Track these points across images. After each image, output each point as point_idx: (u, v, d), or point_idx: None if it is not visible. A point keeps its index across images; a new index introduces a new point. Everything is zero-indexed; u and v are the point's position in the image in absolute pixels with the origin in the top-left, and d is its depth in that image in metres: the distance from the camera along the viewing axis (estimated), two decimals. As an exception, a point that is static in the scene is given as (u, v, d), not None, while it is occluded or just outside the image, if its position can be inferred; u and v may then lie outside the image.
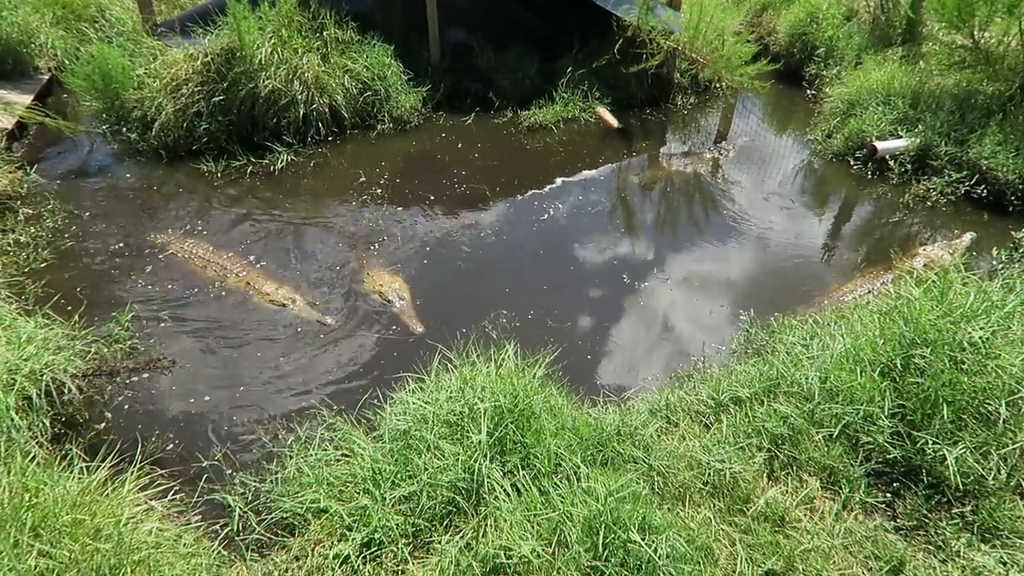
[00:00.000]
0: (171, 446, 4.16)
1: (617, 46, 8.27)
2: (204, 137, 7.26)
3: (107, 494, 3.25)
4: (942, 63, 8.11)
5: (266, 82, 7.21)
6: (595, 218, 6.72)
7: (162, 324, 5.10)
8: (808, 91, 9.64)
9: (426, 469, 3.34)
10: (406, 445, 3.54)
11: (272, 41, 7.28)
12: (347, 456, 3.71)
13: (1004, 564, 3.15)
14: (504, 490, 3.22)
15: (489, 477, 3.25)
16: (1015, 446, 3.48)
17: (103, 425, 4.26)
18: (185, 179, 6.97)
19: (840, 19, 9.89)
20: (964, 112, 7.38)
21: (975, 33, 7.64)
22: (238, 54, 7.21)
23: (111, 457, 3.47)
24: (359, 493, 3.42)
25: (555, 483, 3.26)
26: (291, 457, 3.79)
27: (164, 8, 8.88)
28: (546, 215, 6.71)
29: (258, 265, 5.80)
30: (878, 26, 9.52)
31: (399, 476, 3.41)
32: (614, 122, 8.42)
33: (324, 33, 7.75)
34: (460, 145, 7.96)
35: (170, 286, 5.49)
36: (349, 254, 6.00)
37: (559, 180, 7.34)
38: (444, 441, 3.44)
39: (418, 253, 6.08)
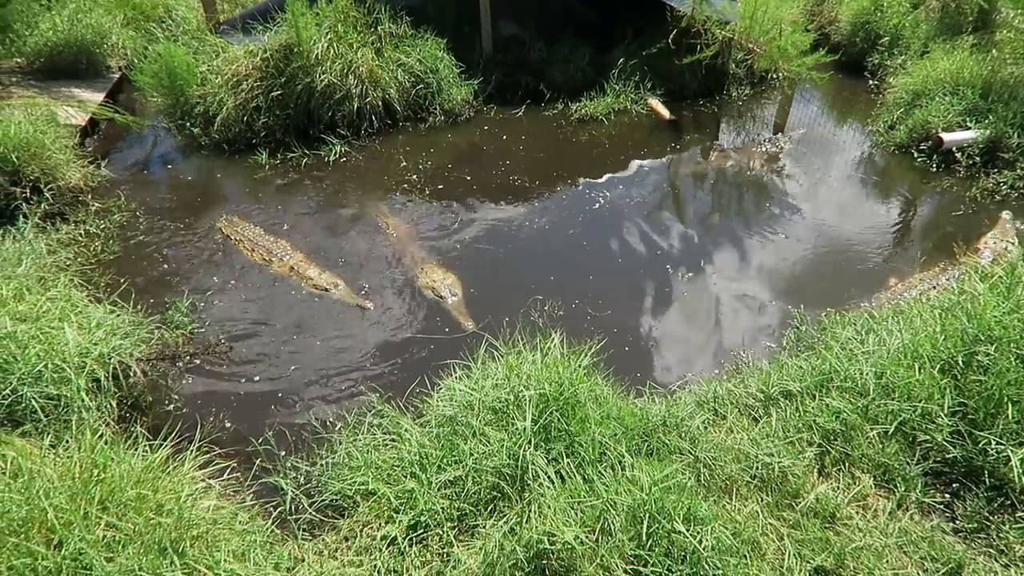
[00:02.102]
0: (228, 428, 4.32)
1: (671, 36, 8.16)
2: (262, 131, 7.45)
3: (168, 472, 3.39)
4: (1016, 51, 7.75)
5: (322, 77, 7.36)
6: (642, 209, 6.65)
7: (221, 310, 5.28)
8: (870, 81, 9.32)
9: (471, 455, 3.38)
10: (452, 431, 3.58)
11: (328, 36, 7.42)
12: (395, 441, 3.78)
13: (1070, 570, 3.01)
14: (548, 477, 3.23)
15: (533, 464, 3.26)
16: (1085, 448, 3.33)
17: (165, 407, 4.44)
18: (244, 171, 7.17)
19: (907, 7, 9.51)
20: (1039, 102, 7.04)
21: (1052, 19, 7.28)
22: (295, 50, 7.38)
23: (172, 437, 3.61)
24: (406, 477, 3.48)
25: (599, 471, 3.25)
26: (340, 441, 3.87)
27: (227, 7, 9.15)
28: (593, 206, 6.68)
29: (307, 254, 5.93)
30: (947, 14, 9.13)
31: (445, 461, 3.45)
32: (666, 113, 8.31)
33: (378, 28, 7.85)
34: (510, 137, 7.98)
35: (227, 274, 5.67)
36: (400, 246, 6.09)
37: (609, 171, 7.30)
38: (489, 427, 3.47)
39: (467, 244, 6.13)
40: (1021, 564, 3.11)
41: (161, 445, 3.49)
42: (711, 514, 3.04)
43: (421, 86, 8.03)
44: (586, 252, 6.04)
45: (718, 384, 4.12)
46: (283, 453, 4.07)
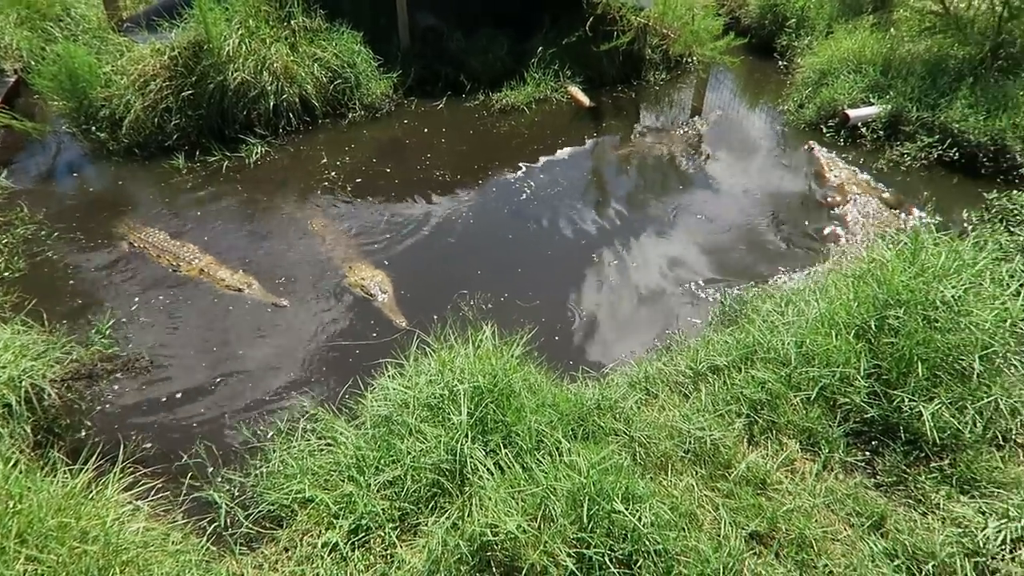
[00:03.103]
0: (153, 445, 4.15)
1: (588, 24, 8.24)
2: (175, 133, 7.16)
3: (92, 497, 3.23)
4: (913, 30, 8.17)
5: (235, 74, 7.13)
6: (567, 197, 6.72)
7: (137, 323, 5.06)
8: (780, 62, 9.66)
9: (409, 453, 3.35)
10: (388, 431, 3.55)
11: (239, 32, 7.19)
12: (330, 445, 3.71)
13: (983, 513, 3.21)
14: (487, 469, 3.23)
15: (472, 457, 3.26)
16: (989, 399, 3.55)
17: (85, 428, 4.24)
18: (158, 176, 6.88)
19: (810, -11, 9.90)
20: (935, 77, 7.44)
21: (944, -2, 7.69)
22: (205, 47, 7.11)
23: (94, 460, 3.44)
24: (344, 481, 3.42)
25: (538, 459, 3.28)
26: (274, 450, 3.78)
27: (130, 3, 8.72)
28: (519, 197, 6.70)
29: (219, 256, 5.76)
30: (848, -6, 9.54)
31: (383, 461, 3.41)
32: (586, 101, 8.41)
33: (292, 22, 7.66)
34: (432, 130, 7.92)
35: (141, 284, 5.44)
36: (325, 245, 5.97)
37: (531, 161, 7.34)
38: (426, 424, 3.45)
39: (394, 241, 6.06)
40: (937, 511, 3.30)
41: (82, 469, 3.32)
42: (648, 491, 3.10)
43: (339, 81, 7.88)
44: (513, 244, 6.06)
45: (648, 364, 4.21)
46: (213, 468, 3.95)
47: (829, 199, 6.66)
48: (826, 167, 7.16)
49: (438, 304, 5.19)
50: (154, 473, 3.76)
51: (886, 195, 6.66)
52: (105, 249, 5.82)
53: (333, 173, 7.04)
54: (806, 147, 7.59)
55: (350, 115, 7.98)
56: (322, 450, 3.70)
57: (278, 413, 4.30)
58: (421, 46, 8.76)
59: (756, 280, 5.42)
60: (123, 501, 3.32)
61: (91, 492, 3.25)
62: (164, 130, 7.15)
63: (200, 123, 7.29)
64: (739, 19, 10.55)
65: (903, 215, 6.33)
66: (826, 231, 6.23)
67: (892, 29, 8.36)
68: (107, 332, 4.88)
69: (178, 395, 4.51)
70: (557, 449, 3.33)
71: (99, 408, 4.38)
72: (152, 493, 3.60)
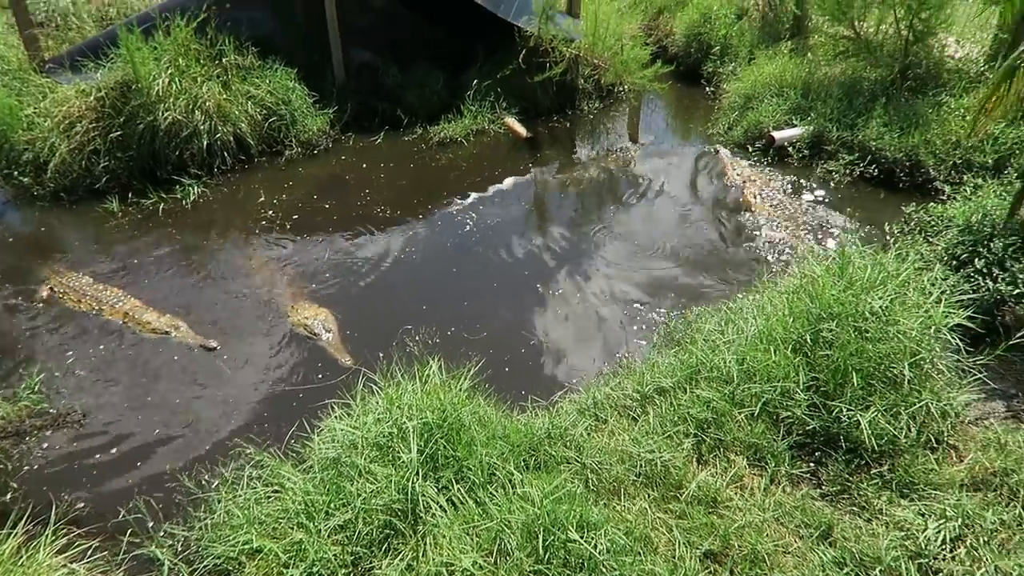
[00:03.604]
0: (88, 504, 3.96)
1: (521, 56, 8.40)
2: (105, 176, 6.96)
3: (22, 563, 3.06)
4: (828, 54, 8.59)
5: (165, 114, 6.99)
6: (510, 228, 6.78)
7: (68, 375, 4.85)
8: (707, 88, 10.02)
9: (359, 495, 3.27)
10: (337, 473, 3.47)
11: (169, 71, 7.07)
12: (277, 492, 3.60)
13: (923, 515, 3.31)
14: (440, 506, 3.19)
15: (424, 495, 3.21)
16: (921, 404, 3.69)
17: (12, 490, 4.01)
18: (89, 221, 6.67)
19: (732, 18, 10.34)
20: (851, 98, 7.83)
21: (855, 24, 8.12)
22: (134, 87, 6.97)
23: (23, 523, 3.27)
24: (293, 528, 3.32)
25: (491, 492, 3.26)
26: (219, 500, 3.65)
27: (52, 44, 8.48)
28: (461, 229, 6.73)
29: (149, 299, 5.59)
30: (767, 22, 9.99)
31: (333, 505, 3.33)
32: (523, 131, 8.53)
33: (224, 60, 7.58)
34: (371, 165, 7.91)
35: (72, 333, 5.23)
36: (266, 285, 5.86)
37: (471, 194, 7.38)
38: (375, 464, 3.39)
39: (336, 278, 5.99)
40: (880, 516, 3.39)
41: (10, 534, 3.15)
42: (602, 518, 3.11)
43: (274, 118, 7.82)
44: (458, 277, 6.05)
45: (597, 389, 4.24)
46: (155, 522, 3.78)
47: (740, 198, 7.20)
48: (730, 167, 7.76)
49: (384, 341, 5.14)
50: (90, 533, 3.57)
51: (782, 186, 7.39)
52: (29, 298, 5.57)
53: (271, 212, 6.94)
54: (713, 150, 8.22)
55: (287, 152, 7.91)
56: (269, 497, 3.59)
57: (222, 461, 4.15)
58: (357, 82, 8.78)
59: (698, 295, 5.56)
60: (56, 565, 3.16)
61: (21, 558, 3.08)
62: (92, 173, 6.95)
63: (131, 165, 7.11)
64: (666, 48, 10.93)
65: (800, 202, 7.08)
66: (741, 223, 6.75)
67: (809, 54, 8.78)
68: (36, 386, 4.67)
69: (114, 449, 4.32)
70: (510, 481, 3.31)
71: (28, 467, 4.17)
72: (89, 554, 3.42)
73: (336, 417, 3.81)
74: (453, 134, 8.41)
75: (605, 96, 9.68)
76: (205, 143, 7.24)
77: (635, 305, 5.63)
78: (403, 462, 3.32)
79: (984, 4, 7.25)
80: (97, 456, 4.27)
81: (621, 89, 9.75)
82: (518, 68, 8.51)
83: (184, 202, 6.99)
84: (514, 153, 8.30)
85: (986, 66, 7.47)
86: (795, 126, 7.86)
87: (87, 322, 5.34)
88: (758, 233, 6.64)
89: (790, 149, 7.76)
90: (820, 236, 6.55)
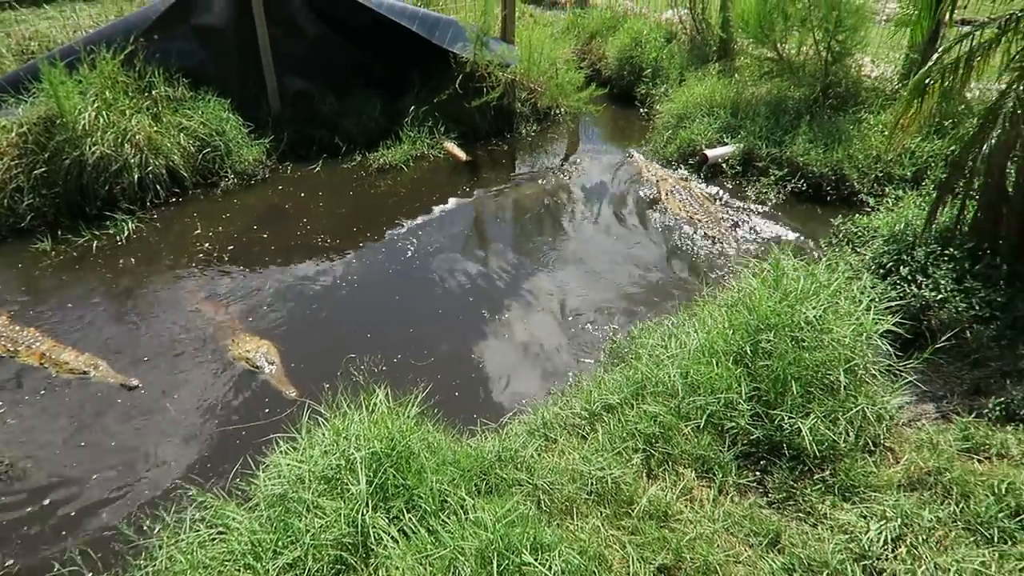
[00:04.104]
0: (18, 560, 3.75)
1: (457, 81, 8.47)
2: (30, 214, 6.68)
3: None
4: (754, 74, 8.93)
5: (93, 148, 6.77)
6: (452, 253, 6.78)
7: (-5, 423, 4.62)
8: (641, 109, 10.28)
9: (308, 531, 3.19)
10: (284, 509, 3.37)
11: (96, 105, 6.87)
12: (222, 533, 3.48)
13: (864, 518, 3.41)
14: (392, 537, 3.14)
15: (374, 526, 3.15)
16: (857, 409, 3.83)
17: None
18: (14, 261, 6.37)
19: (661, 41, 10.66)
20: (777, 116, 8.14)
21: (778, 46, 8.48)
22: (58, 121, 6.74)
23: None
24: (240, 570, 3.20)
25: (443, 520, 3.22)
26: (160, 545, 3.50)
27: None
28: (403, 256, 6.69)
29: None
30: (695, 45, 10.34)
31: (280, 543, 3.23)
32: (462, 155, 8.58)
33: (153, 92, 7.41)
34: (310, 194, 7.81)
35: None
36: (205, 320, 5.70)
37: (413, 219, 7.36)
38: (324, 498, 3.31)
39: (278, 310, 5.87)
40: (825, 521, 3.48)
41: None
42: (556, 538, 3.10)
43: (208, 149, 7.66)
44: (401, 304, 6.00)
45: (545, 409, 4.25)
46: (93, 574, 3.60)
47: (654, 195, 7.80)
48: (644, 168, 8.31)
49: (329, 371, 5.05)
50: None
51: (694, 185, 7.85)
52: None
53: (208, 244, 6.77)
54: (627, 154, 8.79)
55: (223, 183, 7.75)
56: (213, 539, 3.46)
57: (162, 505, 3.99)
58: (292, 110, 8.70)
59: (643, 307, 5.65)
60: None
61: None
62: (16, 212, 6.66)
63: (57, 202, 6.84)
64: (600, 71, 11.18)
65: (708, 195, 7.70)
66: (655, 215, 7.31)
67: (736, 75, 9.11)
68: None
69: (45, 500, 4.11)
70: (461, 507, 3.28)
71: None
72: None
73: (281, 452, 3.71)
74: (393, 160, 8.40)
75: (542, 119, 9.83)
76: (136, 177, 7.03)
77: (581, 323, 5.68)
78: (352, 494, 3.25)
79: (895, 26, 7.66)
80: (27, 508, 4.05)
81: (558, 112, 9.91)
82: (455, 93, 8.58)
83: (118, 238, 6.77)
84: (455, 177, 8.33)
85: (900, 84, 7.88)
86: (726, 144, 8.12)
87: (9, 368, 5.09)
88: (675, 226, 7.17)
89: (724, 166, 8.00)
90: (727, 222, 7.18)
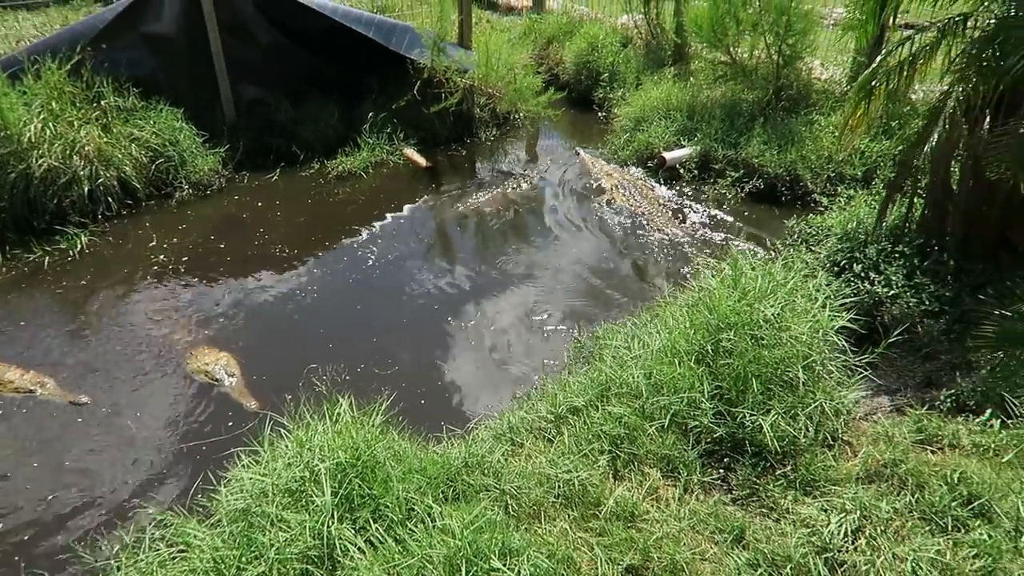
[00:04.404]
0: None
1: (416, 87, 8.45)
2: (-30, 230, 6.48)
3: None
4: (709, 78, 9.08)
5: (40, 161, 6.58)
6: (414, 260, 6.75)
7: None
8: (599, 113, 10.37)
9: (273, 545, 3.13)
10: (247, 524, 3.30)
11: (42, 116, 6.68)
12: (183, 551, 3.40)
13: (825, 511, 3.48)
14: (358, 548, 3.10)
15: (341, 538, 3.11)
16: (815, 404, 3.90)
17: None
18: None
19: (617, 46, 10.77)
20: (732, 119, 8.29)
21: (731, 50, 8.64)
22: (2, 134, 6.53)
23: None
24: (202, 588, 3.14)
25: (410, 528, 3.19)
26: (119, 567, 3.40)
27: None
28: (364, 264, 6.63)
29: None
30: (651, 50, 10.48)
31: (244, 559, 3.16)
32: (422, 161, 8.55)
33: (102, 102, 7.24)
34: (267, 203, 7.71)
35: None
36: (159, 331, 5.58)
37: (373, 227, 7.31)
38: (288, 511, 3.25)
39: (237, 322, 5.77)
40: (788, 515, 3.54)
41: None
42: (524, 543, 3.10)
43: (161, 160, 7.50)
44: (364, 313, 5.96)
45: (511, 414, 4.25)
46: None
47: (601, 189, 8.13)
48: (591, 164, 8.62)
49: (291, 382, 4.98)
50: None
51: (638, 179, 8.25)
52: None
53: (163, 256, 6.63)
54: (574, 152, 9.12)
55: (178, 194, 7.60)
56: (174, 558, 3.38)
57: (121, 525, 3.89)
58: (248, 119, 8.57)
59: (603, 303, 5.70)
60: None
61: None
62: (-43, 229, 6.45)
63: (3, 216, 6.63)
64: (558, 76, 11.26)
65: (651, 187, 8.09)
66: (605, 209, 7.65)
67: (691, 79, 9.26)
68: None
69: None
70: (429, 515, 3.26)
71: None
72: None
73: (243, 465, 3.64)
74: (352, 167, 8.33)
75: (502, 124, 9.86)
76: (86, 189, 6.86)
77: (545, 327, 5.70)
78: (317, 506, 3.20)
79: (842, 30, 7.87)
80: (-25, 534, 3.92)
81: (517, 116, 9.95)
82: (414, 99, 8.55)
83: (71, 253, 6.59)
84: (415, 184, 8.30)
85: (848, 86, 8.09)
86: (683, 146, 8.24)
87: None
88: (625, 218, 7.47)
89: (681, 170, 8.12)
90: (668, 211, 7.57)
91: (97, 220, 7.01)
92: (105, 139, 7.07)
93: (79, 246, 6.65)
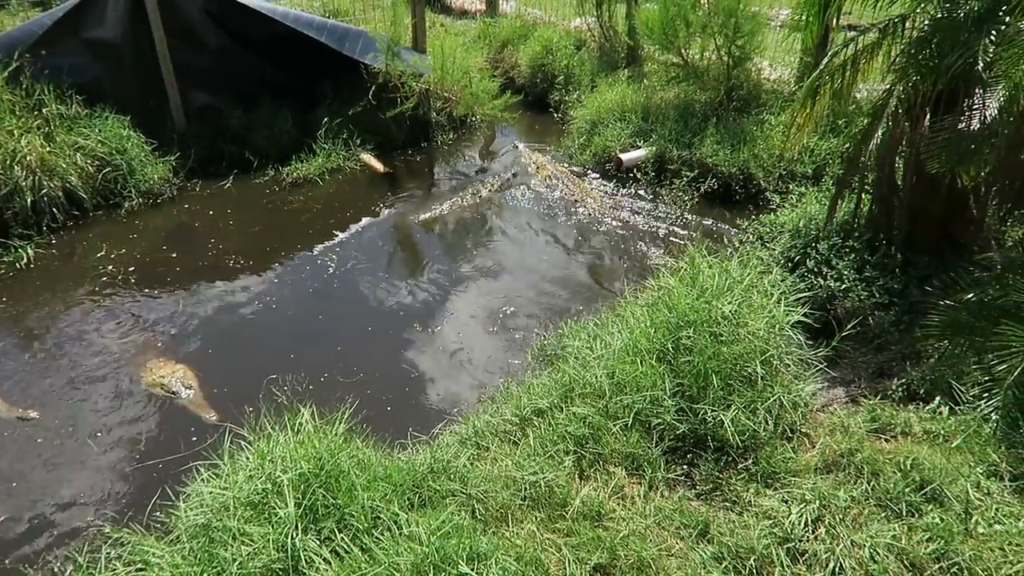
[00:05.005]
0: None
1: (371, 93, 8.38)
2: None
3: None
4: (662, 80, 9.20)
5: (-23, 172, 6.35)
6: (374, 267, 6.69)
7: None
8: (556, 115, 10.44)
9: (235, 560, 3.06)
10: (208, 540, 3.23)
11: (-22, 126, 6.45)
12: (141, 570, 3.30)
13: (786, 502, 3.55)
14: (324, 558, 3.05)
15: (305, 549, 3.06)
16: (774, 398, 3.99)
17: None
18: None
19: (571, 49, 10.86)
20: (686, 120, 8.41)
21: (682, 52, 8.77)
22: (-64, 145, 6.29)
23: None
24: (162, 606, 3.06)
25: (376, 537, 3.15)
26: (73, 589, 3.30)
27: None
28: (325, 273, 6.54)
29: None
30: (604, 52, 10.59)
31: (205, 575, 3.10)
32: (380, 167, 8.49)
33: (44, 110, 7.01)
34: (221, 211, 7.56)
35: None
36: (112, 345, 5.42)
37: (332, 234, 7.22)
38: (250, 524, 3.19)
39: (189, 332, 5.65)
40: (750, 508, 3.60)
41: None
42: (492, 546, 3.10)
43: (109, 169, 7.28)
44: (325, 322, 5.87)
45: (476, 418, 4.24)
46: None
47: (532, 171, 8.68)
48: (527, 156, 9.04)
49: (251, 393, 4.87)
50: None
51: (569, 171, 8.63)
52: None
53: (112, 267, 6.45)
54: (513, 145, 9.52)
55: (127, 204, 7.39)
56: (132, 578, 3.29)
57: (74, 545, 3.76)
58: (199, 125, 8.39)
59: (573, 317, 5.73)
60: None
61: None
62: None
63: (-61, 231, 6.38)
64: (513, 79, 11.29)
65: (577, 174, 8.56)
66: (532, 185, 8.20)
67: (645, 80, 9.37)
68: None
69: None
70: (395, 522, 3.23)
71: None
72: None
73: (203, 479, 3.56)
74: (307, 173, 8.21)
75: (459, 127, 9.84)
76: (29, 200, 6.63)
77: (510, 330, 5.71)
78: (280, 518, 3.15)
79: (789, 31, 8.06)
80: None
81: (474, 120, 9.94)
82: (369, 104, 8.47)
83: (17, 265, 6.36)
84: (373, 189, 8.23)
85: (796, 86, 8.30)
86: (639, 148, 8.33)
87: None
88: (561, 205, 7.93)
89: (637, 174, 8.21)
90: (599, 195, 8.02)
91: (43, 232, 6.78)
92: (48, 148, 6.85)
93: (25, 259, 6.42)
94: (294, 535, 3.08)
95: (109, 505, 4.09)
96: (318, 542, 3.13)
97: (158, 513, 3.69)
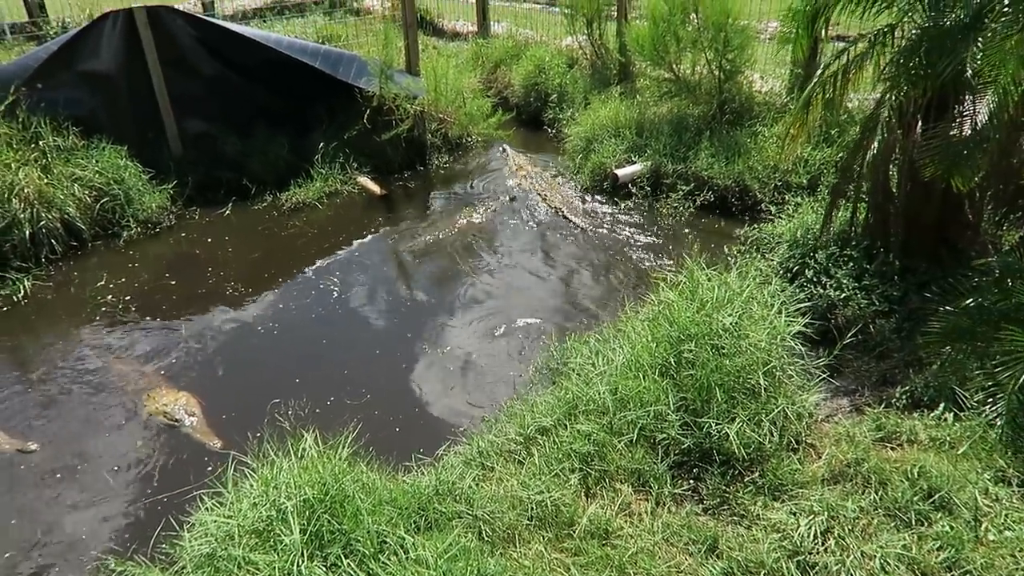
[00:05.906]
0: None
1: (366, 116, 8.43)
2: (-95, 280, 6.21)
3: None
4: (654, 95, 9.27)
5: (-25, 206, 6.37)
6: (378, 289, 6.69)
7: None
8: (550, 132, 10.51)
9: (241, 590, 3.05)
10: (214, 569, 3.20)
11: (-25, 160, 6.48)
12: (147, 603, 3.28)
13: (794, 514, 3.53)
14: (331, 586, 3.03)
15: (312, 576, 3.04)
16: (779, 410, 3.98)
17: None
18: None
19: (564, 67, 10.94)
20: (680, 134, 8.46)
21: (673, 67, 8.84)
22: (-68, 179, 6.32)
23: None
24: (168, 639, 3.03)
25: (383, 562, 3.13)
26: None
27: None
28: (327, 296, 6.54)
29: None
30: (596, 69, 10.66)
31: (211, 606, 3.07)
32: (377, 189, 8.52)
33: (41, 143, 7.05)
34: (220, 238, 7.57)
35: None
36: (113, 375, 5.40)
37: (333, 257, 7.24)
38: (255, 553, 3.16)
39: (192, 360, 5.63)
40: (758, 521, 3.58)
41: None
42: (500, 568, 3.08)
43: (107, 199, 7.31)
44: (330, 345, 5.87)
45: (480, 438, 4.22)
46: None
47: (514, 170, 9.13)
48: (512, 159, 9.42)
49: (255, 420, 4.84)
50: None
51: (545, 169, 9.23)
52: None
53: (112, 297, 6.44)
54: (501, 149, 9.86)
55: (125, 233, 7.40)
56: (138, 612, 3.26)
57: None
58: (196, 153, 8.43)
59: (575, 333, 5.74)
60: None
61: None
62: None
63: (-62, 265, 6.39)
64: (507, 99, 11.35)
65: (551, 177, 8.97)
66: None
67: (638, 96, 9.44)
68: None
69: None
70: (401, 546, 3.20)
71: None
72: None
73: (207, 508, 3.53)
74: (305, 198, 8.24)
75: (454, 148, 9.88)
76: (28, 232, 6.65)
77: (511, 349, 5.70)
78: (286, 545, 3.12)
79: (778, 43, 8.13)
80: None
81: (469, 140, 10.00)
82: (365, 128, 8.52)
83: (15, 298, 6.37)
84: (371, 212, 8.26)
85: (788, 98, 8.35)
86: (635, 163, 8.37)
87: None
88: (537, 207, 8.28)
89: (633, 188, 8.24)
90: (574, 199, 8.31)
91: (41, 264, 6.79)
92: (46, 180, 6.88)
93: (22, 291, 6.42)
94: (300, 562, 3.06)
95: (112, 537, 4.05)
96: (324, 568, 3.10)
97: (163, 544, 3.66)
